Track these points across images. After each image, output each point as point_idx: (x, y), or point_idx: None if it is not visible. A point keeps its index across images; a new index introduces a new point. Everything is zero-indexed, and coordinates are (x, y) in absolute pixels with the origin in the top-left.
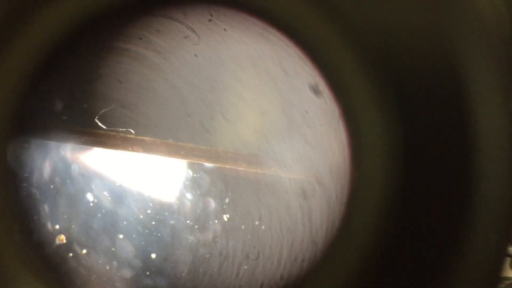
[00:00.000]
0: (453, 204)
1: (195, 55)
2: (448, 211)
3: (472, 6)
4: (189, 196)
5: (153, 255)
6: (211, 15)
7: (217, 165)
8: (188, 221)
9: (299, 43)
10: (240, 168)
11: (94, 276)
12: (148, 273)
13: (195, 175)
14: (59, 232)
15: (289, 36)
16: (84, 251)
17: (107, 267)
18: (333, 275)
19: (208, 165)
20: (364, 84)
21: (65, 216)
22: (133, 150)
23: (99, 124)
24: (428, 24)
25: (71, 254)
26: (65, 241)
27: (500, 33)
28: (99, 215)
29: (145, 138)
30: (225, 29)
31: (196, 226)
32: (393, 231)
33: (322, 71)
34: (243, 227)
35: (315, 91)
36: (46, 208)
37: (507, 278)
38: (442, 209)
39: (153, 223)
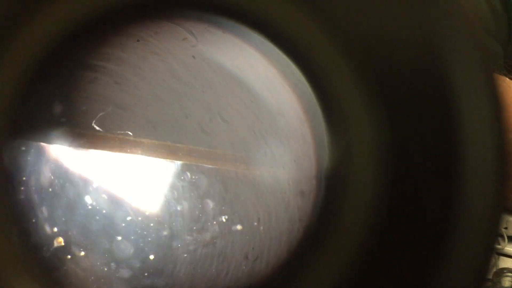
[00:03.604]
0: (441, 201)
1: (193, 57)
2: (436, 209)
3: (457, 6)
4: (187, 197)
5: (152, 256)
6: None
7: (216, 166)
8: (186, 223)
9: (287, 50)
10: (238, 170)
11: (92, 277)
12: (146, 274)
13: (194, 177)
14: (57, 234)
15: (278, 44)
16: (82, 253)
17: (105, 269)
18: (331, 274)
19: (207, 166)
20: (352, 86)
21: (63, 219)
22: (131, 152)
23: (97, 128)
24: (414, 24)
25: (69, 256)
26: (63, 244)
27: (488, 31)
28: (97, 217)
29: (143, 140)
30: (223, 31)
31: (195, 228)
32: (385, 228)
33: (309, 74)
34: (241, 228)
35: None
36: (44, 211)
37: (508, 270)
38: (431, 207)
39: (152, 224)
